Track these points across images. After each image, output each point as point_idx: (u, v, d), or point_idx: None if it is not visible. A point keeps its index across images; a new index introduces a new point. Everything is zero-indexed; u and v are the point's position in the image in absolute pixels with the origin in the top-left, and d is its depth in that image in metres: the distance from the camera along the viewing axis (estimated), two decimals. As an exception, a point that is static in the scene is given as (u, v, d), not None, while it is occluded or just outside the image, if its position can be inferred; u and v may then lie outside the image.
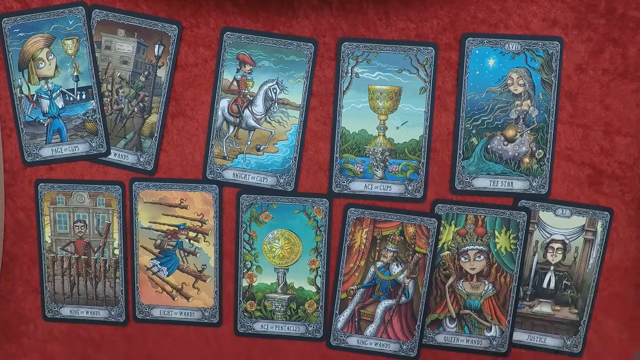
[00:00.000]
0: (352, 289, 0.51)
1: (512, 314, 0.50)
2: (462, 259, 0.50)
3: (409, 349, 0.51)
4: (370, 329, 0.51)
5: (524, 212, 0.49)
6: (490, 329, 0.51)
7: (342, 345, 0.52)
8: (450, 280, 0.50)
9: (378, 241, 0.50)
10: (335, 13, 0.49)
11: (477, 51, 0.48)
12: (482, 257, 0.50)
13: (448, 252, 0.50)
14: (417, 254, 0.50)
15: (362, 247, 0.51)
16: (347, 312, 0.51)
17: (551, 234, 0.50)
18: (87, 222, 0.52)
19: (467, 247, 0.50)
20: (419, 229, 0.50)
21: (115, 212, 0.52)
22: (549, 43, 0.48)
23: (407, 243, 0.50)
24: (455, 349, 0.51)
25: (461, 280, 0.50)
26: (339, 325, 0.51)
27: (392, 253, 0.50)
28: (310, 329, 0.52)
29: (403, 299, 0.51)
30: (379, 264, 0.51)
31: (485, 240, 0.50)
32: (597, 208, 0.49)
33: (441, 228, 0.50)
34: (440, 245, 0.50)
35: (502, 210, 0.49)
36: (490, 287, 0.50)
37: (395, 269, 0.51)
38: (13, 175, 0.52)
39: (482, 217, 0.49)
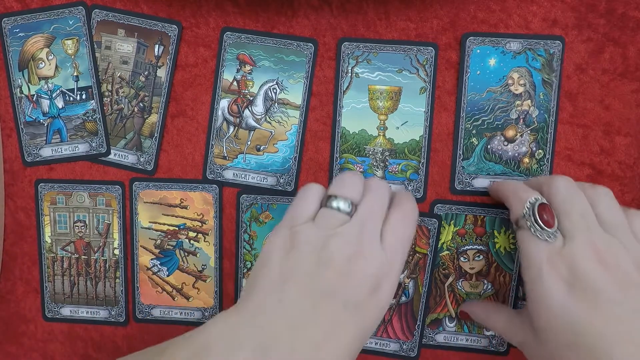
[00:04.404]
0: None
1: None
2: (462, 258, 0.50)
3: (409, 348, 0.51)
4: None
5: None
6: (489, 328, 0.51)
7: None
8: (450, 279, 0.50)
9: None
10: (335, 13, 0.49)
11: (478, 51, 0.48)
12: (481, 256, 0.50)
13: (447, 252, 0.50)
14: (417, 254, 0.50)
15: None
16: None
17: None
18: (87, 222, 0.52)
19: (467, 247, 0.50)
20: (419, 230, 0.49)
21: (115, 212, 0.52)
22: (550, 42, 0.48)
23: None
24: (455, 348, 0.51)
25: (460, 280, 0.50)
26: None
27: None
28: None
29: (403, 298, 0.50)
30: None
31: (485, 240, 0.50)
32: (597, 208, 0.49)
33: (441, 228, 0.50)
34: (439, 246, 0.50)
35: (501, 211, 0.49)
36: (489, 287, 0.50)
37: None
38: (13, 175, 0.52)
39: (482, 217, 0.49)
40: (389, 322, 0.51)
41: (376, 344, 0.51)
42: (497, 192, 0.46)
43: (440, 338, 0.51)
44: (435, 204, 0.49)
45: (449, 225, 0.50)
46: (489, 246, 0.50)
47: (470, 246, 0.50)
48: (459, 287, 0.50)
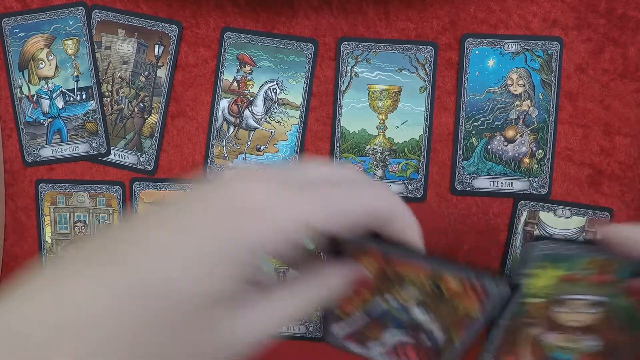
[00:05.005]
0: (351, 313, 0.36)
1: None
2: (558, 309, 0.33)
3: None
4: (377, 350, 0.37)
5: None
6: None
7: (343, 349, 0.38)
8: (533, 332, 0.35)
9: (391, 279, 0.32)
10: (335, 13, 0.49)
11: (476, 52, 0.48)
12: (594, 310, 0.33)
13: (540, 301, 0.33)
14: (458, 311, 0.32)
15: (368, 274, 0.33)
16: (345, 327, 0.37)
17: (551, 235, 0.50)
18: (87, 222, 0.52)
19: (574, 296, 0.33)
20: (469, 288, 0.30)
21: (116, 212, 0.52)
22: (548, 43, 0.48)
23: (443, 297, 0.32)
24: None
25: (552, 333, 0.35)
26: (336, 333, 0.38)
27: (415, 297, 0.33)
28: (310, 328, 0.52)
29: (427, 342, 0.35)
30: (392, 301, 0.34)
31: (609, 290, 0.33)
32: (597, 208, 0.49)
33: (535, 266, 0.32)
34: (527, 290, 0.33)
35: None
36: (596, 344, 0.34)
37: (419, 315, 0.34)
38: (13, 175, 0.52)
39: (611, 263, 0.32)
40: (402, 352, 0.36)
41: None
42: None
43: None
44: (539, 241, 0.32)
45: (553, 268, 0.32)
46: (612, 297, 0.33)
47: (581, 295, 0.33)
48: (544, 339, 0.35)
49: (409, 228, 0.29)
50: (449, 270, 0.30)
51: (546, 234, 0.48)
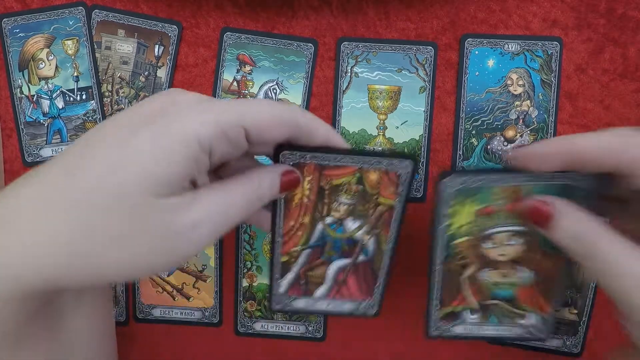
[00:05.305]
0: (296, 251, 0.40)
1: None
2: (485, 245, 0.37)
3: (368, 306, 0.42)
4: (320, 291, 0.42)
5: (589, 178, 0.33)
6: (523, 317, 0.40)
7: (288, 308, 0.43)
8: (469, 271, 0.39)
9: (327, 192, 0.37)
10: (335, 13, 0.49)
11: (476, 52, 0.49)
12: (519, 240, 0.36)
13: (466, 239, 0.37)
14: (380, 206, 0.38)
15: (306, 200, 0.38)
16: (290, 276, 0.41)
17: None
18: (87, 222, 0.52)
19: (495, 230, 0.36)
20: (385, 176, 0.36)
21: (116, 212, 0.52)
22: (548, 43, 0.48)
23: (367, 193, 0.37)
24: (479, 338, 0.42)
25: (486, 270, 0.38)
26: (282, 289, 0.41)
27: (346, 206, 0.38)
28: (310, 328, 0.52)
29: (361, 257, 0.40)
30: (329, 219, 0.39)
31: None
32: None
33: (453, 204, 0.35)
34: (452, 231, 0.37)
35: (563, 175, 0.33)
36: (528, 275, 0.38)
37: (352, 225, 0.39)
38: (13, 175, 0.52)
39: (522, 187, 0.34)
40: (343, 282, 0.41)
41: (328, 305, 0.42)
42: (562, 153, 0.32)
43: (459, 329, 0.41)
44: (445, 177, 0.35)
45: (468, 202, 0.35)
46: (528, 226, 0.36)
47: (502, 227, 0.36)
48: (483, 277, 0.39)
49: (328, 133, 0.34)
50: (369, 162, 0.35)
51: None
